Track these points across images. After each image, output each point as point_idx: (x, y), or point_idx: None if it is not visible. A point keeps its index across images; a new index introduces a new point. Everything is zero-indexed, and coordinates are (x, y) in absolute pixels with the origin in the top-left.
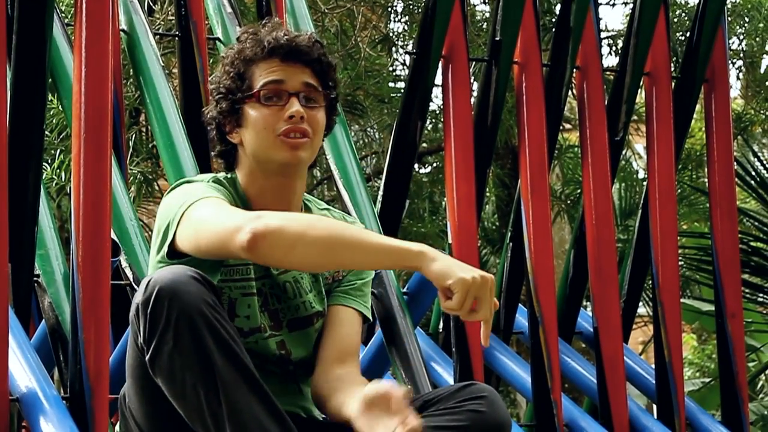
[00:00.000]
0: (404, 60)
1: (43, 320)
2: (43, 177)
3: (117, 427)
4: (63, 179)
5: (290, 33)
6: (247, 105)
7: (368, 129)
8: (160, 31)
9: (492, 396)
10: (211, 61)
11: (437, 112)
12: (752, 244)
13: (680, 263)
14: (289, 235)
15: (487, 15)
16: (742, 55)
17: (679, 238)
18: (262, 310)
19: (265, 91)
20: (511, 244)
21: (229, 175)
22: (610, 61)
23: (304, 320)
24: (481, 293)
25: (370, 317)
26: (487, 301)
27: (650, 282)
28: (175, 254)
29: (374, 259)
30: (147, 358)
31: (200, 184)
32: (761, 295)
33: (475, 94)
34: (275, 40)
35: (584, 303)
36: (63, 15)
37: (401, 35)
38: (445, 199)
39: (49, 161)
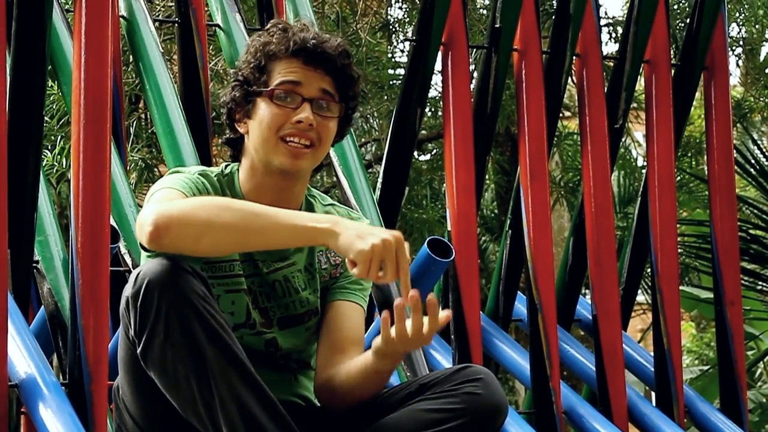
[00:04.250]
0: (404, 47)
1: (42, 306)
2: (43, 163)
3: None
4: (63, 166)
5: (319, 37)
6: (259, 98)
7: (368, 116)
8: (160, 17)
9: (488, 378)
10: (210, 47)
11: (437, 99)
12: (751, 231)
13: (679, 251)
14: (195, 224)
15: (487, 2)
16: (741, 42)
17: (678, 225)
18: (254, 307)
19: (279, 90)
20: (510, 231)
21: (228, 170)
22: (610, 48)
23: (294, 318)
24: (385, 256)
25: (365, 310)
26: (391, 262)
27: (649, 270)
28: None
29: (284, 240)
30: (138, 350)
31: (180, 175)
32: (760, 282)
33: (474, 81)
34: (302, 41)
35: (583, 290)
36: (63, 1)
37: (401, 22)
38: (445, 186)
39: (49, 148)
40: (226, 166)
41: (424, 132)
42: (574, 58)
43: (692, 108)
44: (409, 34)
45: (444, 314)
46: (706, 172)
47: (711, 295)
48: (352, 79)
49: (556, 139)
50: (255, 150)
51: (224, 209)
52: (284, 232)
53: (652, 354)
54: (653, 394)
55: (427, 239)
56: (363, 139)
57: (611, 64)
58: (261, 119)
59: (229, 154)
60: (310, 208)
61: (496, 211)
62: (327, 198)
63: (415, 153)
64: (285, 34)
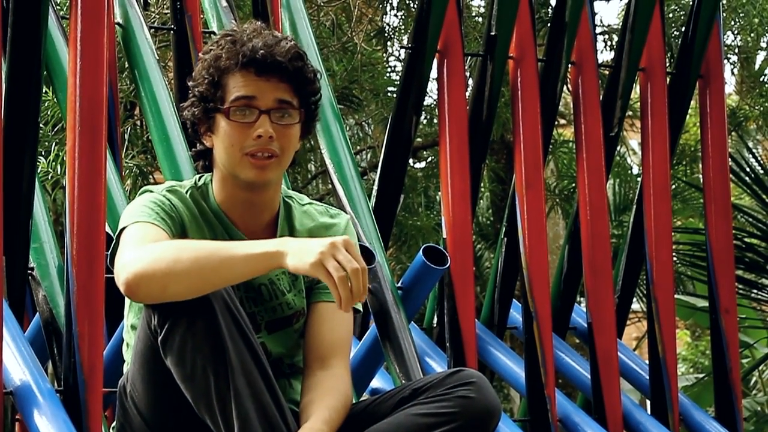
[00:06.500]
0: (399, 54)
1: (38, 313)
2: (38, 170)
3: (114, 421)
4: (58, 172)
5: (270, 41)
6: (218, 115)
7: (363, 123)
8: (156, 24)
9: (481, 382)
10: None
11: (432, 106)
12: (746, 240)
13: (674, 259)
14: (158, 275)
15: (483, 10)
16: (737, 50)
17: (673, 233)
18: None
19: (234, 108)
20: (505, 239)
21: (201, 181)
22: (606, 56)
23: (282, 321)
24: (335, 254)
25: (360, 307)
26: (344, 257)
27: (644, 278)
28: None
29: (241, 272)
30: (160, 339)
31: (147, 200)
32: (755, 291)
33: (470, 88)
34: (252, 51)
35: (578, 298)
36: (58, 8)
37: (397, 29)
38: (440, 193)
39: (44, 154)
40: (200, 178)
41: (419, 139)
42: (569, 66)
43: (687, 116)
44: (405, 42)
45: None
46: (701, 180)
47: (706, 304)
48: (308, 80)
49: (551, 146)
50: (223, 165)
51: (180, 255)
52: (238, 264)
53: (647, 362)
54: (648, 402)
55: (423, 247)
56: (358, 147)
57: (607, 72)
58: (222, 138)
59: (201, 165)
60: (288, 209)
61: (491, 218)
62: (304, 198)
63: (411, 160)
64: (234, 47)
